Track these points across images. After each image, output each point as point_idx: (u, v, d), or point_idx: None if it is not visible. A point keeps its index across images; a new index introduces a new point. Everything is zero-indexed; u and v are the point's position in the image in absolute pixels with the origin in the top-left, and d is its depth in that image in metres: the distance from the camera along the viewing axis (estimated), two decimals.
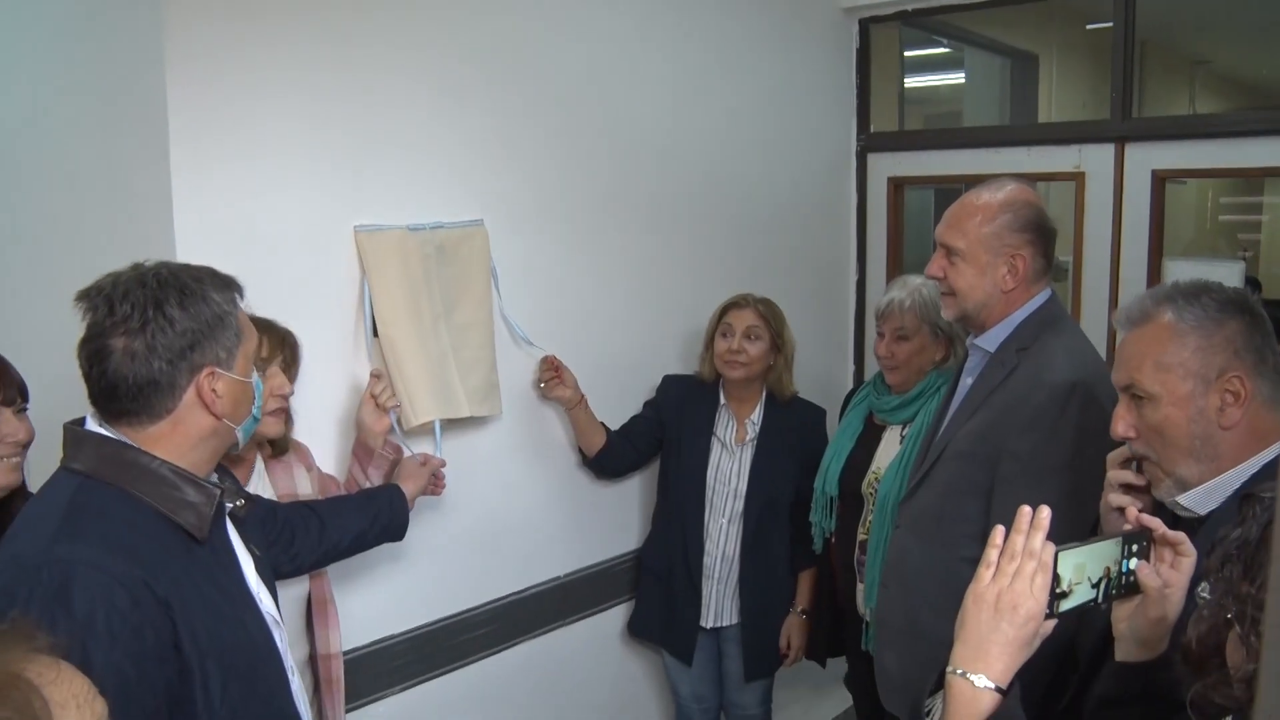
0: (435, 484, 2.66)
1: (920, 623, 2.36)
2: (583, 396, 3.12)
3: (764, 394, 3.31)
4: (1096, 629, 1.74)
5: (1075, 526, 2.02)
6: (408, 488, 2.52)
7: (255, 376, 1.73)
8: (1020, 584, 1.39)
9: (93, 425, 1.61)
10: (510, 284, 2.95)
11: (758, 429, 3.28)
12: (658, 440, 3.35)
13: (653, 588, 3.38)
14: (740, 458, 3.27)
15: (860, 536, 3.04)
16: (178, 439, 1.61)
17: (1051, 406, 2.15)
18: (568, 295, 3.15)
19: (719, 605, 3.29)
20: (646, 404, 3.40)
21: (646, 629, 3.44)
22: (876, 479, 3.00)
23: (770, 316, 3.24)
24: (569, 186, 3.12)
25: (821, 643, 3.35)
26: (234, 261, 2.30)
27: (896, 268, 4.23)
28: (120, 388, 1.56)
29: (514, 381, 3.02)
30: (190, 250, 2.25)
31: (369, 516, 2.39)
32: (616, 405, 3.31)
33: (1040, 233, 2.29)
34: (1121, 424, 1.76)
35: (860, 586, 3.04)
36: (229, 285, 1.69)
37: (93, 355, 1.57)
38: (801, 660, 3.37)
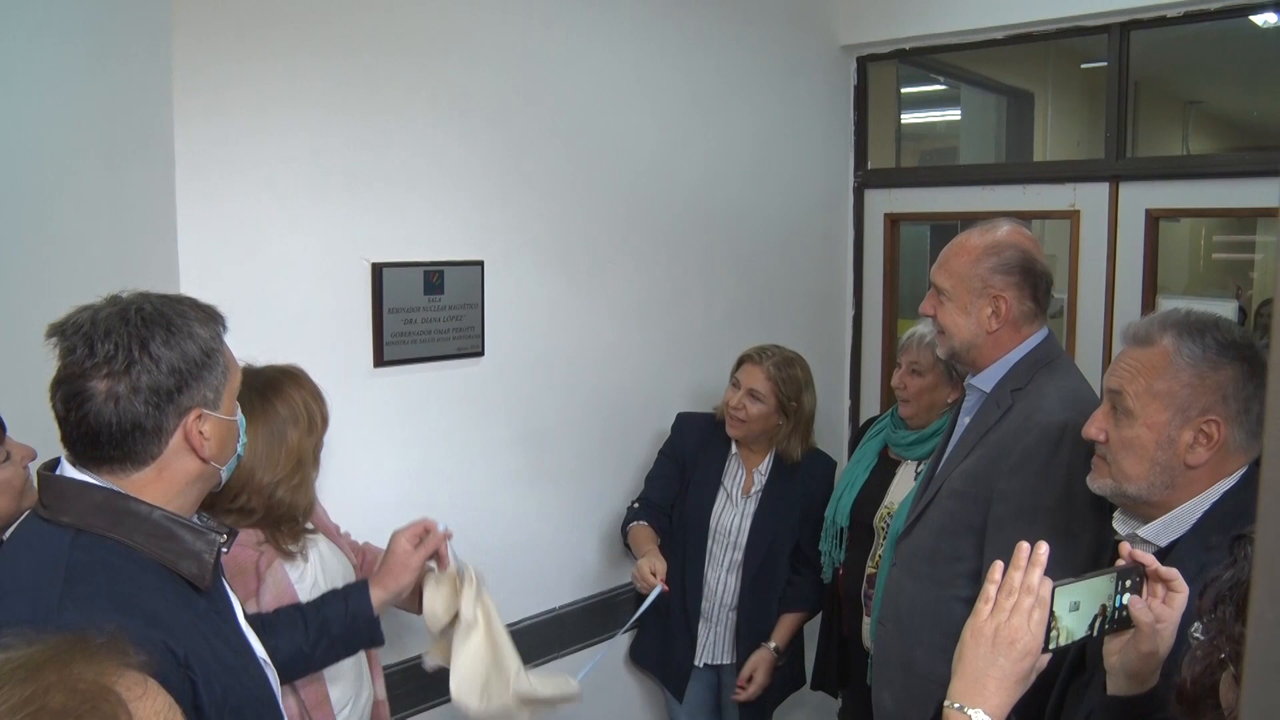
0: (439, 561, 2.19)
1: (915, 661, 2.36)
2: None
3: (773, 449, 3.28)
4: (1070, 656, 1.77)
5: (1066, 565, 2.05)
6: (383, 586, 2.07)
7: (239, 413, 1.63)
8: (1018, 619, 1.41)
9: (71, 471, 1.49)
10: (510, 319, 2.98)
11: (764, 480, 3.26)
12: (680, 491, 3.32)
13: (653, 620, 3.37)
14: (744, 510, 3.25)
15: (869, 570, 3.04)
16: (164, 484, 1.51)
17: (1042, 447, 2.15)
18: (568, 330, 3.17)
19: (715, 646, 3.29)
20: (662, 452, 3.38)
21: (645, 659, 3.44)
22: (889, 514, 3.00)
23: (782, 380, 3.16)
24: (568, 222, 3.14)
25: (832, 674, 3.32)
26: (237, 290, 2.34)
27: (892, 303, 4.27)
28: (102, 434, 1.45)
29: (512, 408, 3.04)
30: (194, 277, 2.28)
31: (310, 634, 1.98)
32: (619, 438, 3.33)
33: (1027, 276, 2.29)
34: (1094, 426, 1.83)
35: (866, 620, 3.03)
36: (213, 318, 1.57)
37: (70, 398, 1.45)
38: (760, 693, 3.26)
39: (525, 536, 3.13)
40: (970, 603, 2.20)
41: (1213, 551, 1.67)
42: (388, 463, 2.72)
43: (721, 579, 3.25)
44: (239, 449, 1.64)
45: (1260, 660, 0.58)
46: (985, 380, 2.33)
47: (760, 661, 3.22)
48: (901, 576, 2.44)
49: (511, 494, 3.07)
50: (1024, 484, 2.16)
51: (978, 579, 2.21)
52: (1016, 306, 2.28)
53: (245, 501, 2.00)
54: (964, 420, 2.41)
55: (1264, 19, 3.81)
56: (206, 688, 1.41)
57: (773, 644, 3.24)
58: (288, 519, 2.11)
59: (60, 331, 1.47)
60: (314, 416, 2.12)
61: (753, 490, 3.25)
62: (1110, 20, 3.58)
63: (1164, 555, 1.73)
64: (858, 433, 3.44)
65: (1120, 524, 1.84)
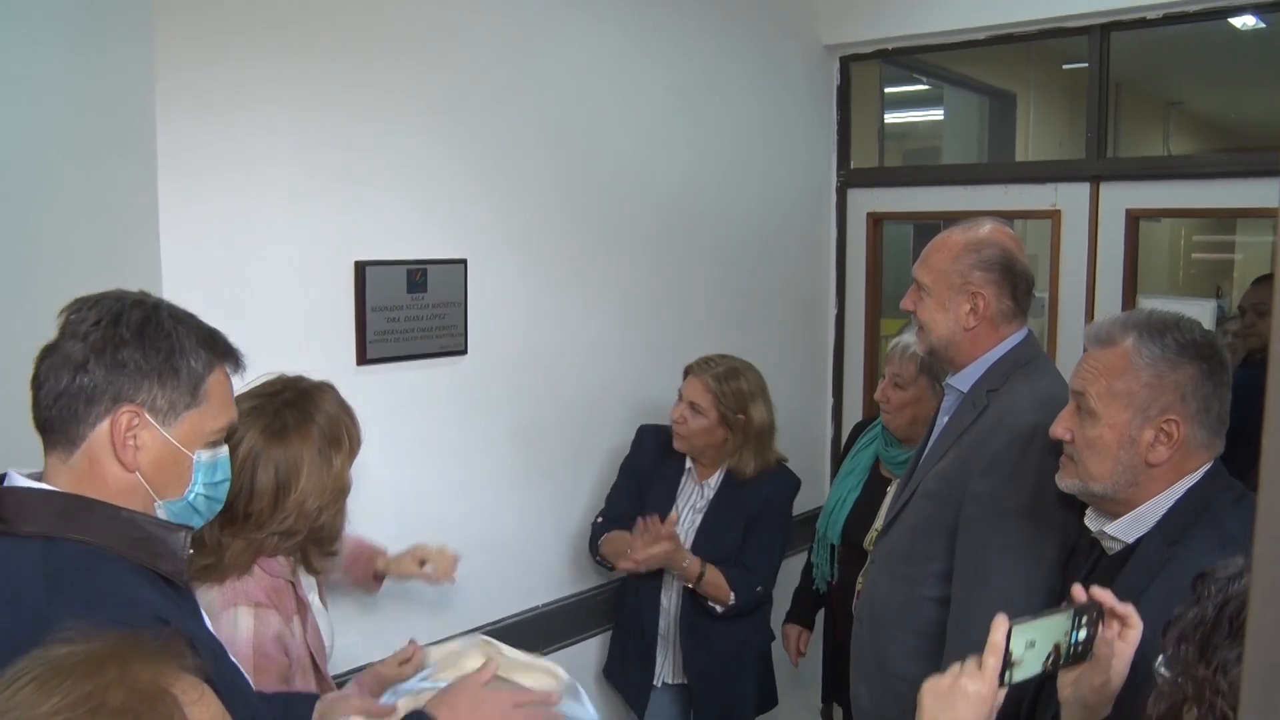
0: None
1: (887, 658, 2.37)
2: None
3: (725, 464, 3.16)
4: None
5: (1034, 568, 2.09)
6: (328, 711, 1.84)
7: (201, 455, 1.51)
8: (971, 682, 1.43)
9: (23, 480, 1.43)
10: (493, 317, 2.97)
11: (712, 494, 3.15)
12: (639, 507, 3.17)
13: (618, 637, 3.32)
14: (688, 526, 3.14)
15: (859, 586, 2.98)
16: (97, 487, 1.43)
17: (1012, 450, 2.15)
18: (551, 328, 3.17)
19: (676, 665, 3.19)
20: (622, 466, 3.30)
21: (613, 676, 3.36)
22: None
23: (722, 393, 3.02)
24: (551, 221, 3.14)
25: (843, 684, 3.30)
26: (219, 288, 2.33)
27: (875, 302, 4.28)
28: (43, 388, 1.43)
29: (496, 406, 3.03)
30: (176, 276, 2.27)
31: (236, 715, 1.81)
32: (602, 436, 3.33)
33: (1006, 274, 2.28)
34: (1060, 426, 1.86)
35: None
36: (214, 346, 1.51)
37: (43, 354, 1.45)
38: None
39: (509, 534, 3.12)
40: (940, 603, 2.22)
41: (1174, 547, 1.70)
42: (370, 461, 2.69)
43: (673, 599, 3.15)
44: (188, 495, 1.51)
45: (1260, 662, 0.58)
46: (963, 380, 2.33)
47: (673, 550, 2.93)
48: (879, 575, 2.45)
49: (494, 491, 3.07)
50: (994, 486, 2.16)
51: (948, 580, 2.22)
52: (995, 304, 2.28)
53: (292, 524, 1.98)
54: (942, 420, 2.42)
55: (1242, 21, 3.85)
56: (219, 680, 1.35)
57: (698, 566, 2.99)
58: (323, 542, 2.11)
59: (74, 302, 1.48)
60: (353, 439, 2.10)
61: (698, 507, 3.15)
62: (1091, 21, 3.61)
63: (1130, 551, 1.77)
64: (848, 440, 3.42)
65: (1091, 521, 1.86)
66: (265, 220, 2.45)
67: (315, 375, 2.23)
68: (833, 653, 3.28)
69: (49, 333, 1.51)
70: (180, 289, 2.21)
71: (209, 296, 2.27)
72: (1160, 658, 1.25)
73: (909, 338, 2.97)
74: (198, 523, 1.57)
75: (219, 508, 1.60)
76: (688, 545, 3.08)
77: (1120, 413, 1.76)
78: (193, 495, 1.51)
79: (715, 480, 3.17)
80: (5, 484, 1.44)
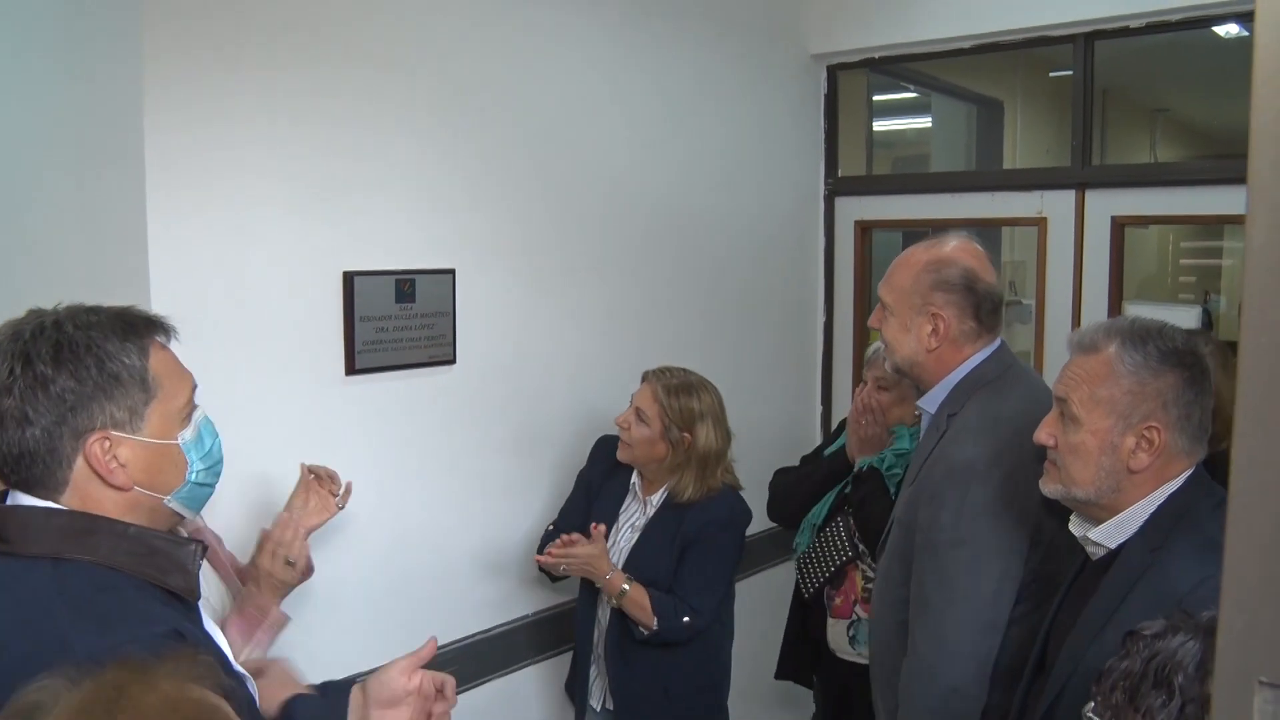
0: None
1: (887, 674, 2.39)
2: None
3: (667, 484, 2.96)
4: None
5: (968, 602, 2.10)
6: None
7: (187, 434, 1.48)
8: None
9: (25, 499, 1.39)
10: (482, 327, 2.98)
11: (651, 514, 2.98)
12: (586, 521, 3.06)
13: (574, 651, 3.20)
14: (623, 545, 2.99)
15: (827, 572, 3.06)
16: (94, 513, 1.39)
17: (947, 483, 2.15)
18: (540, 338, 3.18)
19: (603, 687, 3.05)
20: (578, 477, 3.18)
21: (568, 690, 3.24)
22: None
23: (669, 407, 2.86)
24: (540, 230, 3.15)
25: (805, 666, 3.30)
26: (208, 299, 2.33)
27: (863, 310, 4.29)
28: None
29: (484, 416, 3.04)
30: (165, 287, 2.28)
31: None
32: (587, 447, 3.32)
33: (968, 295, 2.22)
34: (1044, 432, 1.87)
35: (830, 622, 3.07)
36: (137, 330, 1.44)
37: None
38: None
39: (498, 544, 3.13)
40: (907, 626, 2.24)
41: (1157, 552, 1.72)
42: (359, 471, 2.70)
43: (610, 617, 2.97)
44: (192, 475, 1.48)
45: (1230, 668, 0.59)
46: (929, 402, 2.30)
47: (595, 555, 2.80)
48: (875, 597, 2.47)
49: (483, 502, 3.07)
50: (931, 517, 2.16)
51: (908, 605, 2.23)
52: (956, 325, 2.23)
53: None
54: (920, 443, 2.42)
55: (1226, 30, 3.87)
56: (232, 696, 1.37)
57: (622, 584, 2.82)
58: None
59: None
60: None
61: (639, 524, 2.99)
62: (1074, 30, 3.63)
63: (1113, 557, 1.79)
64: (834, 432, 3.43)
65: (1075, 527, 1.88)
66: (253, 231, 2.46)
67: (303, 385, 2.23)
68: (804, 636, 3.24)
69: None
70: (168, 300, 2.21)
71: (197, 308, 2.27)
72: (1090, 704, 1.30)
73: None
74: (209, 494, 1.54)
75: (222, 467, 1.56)
76: (620, 564, 2.92)
77: (1102, 419, 1.78)
78: (194, 474, 1.48)
79: (657, 499, 2.98)
80: (8, 502, 1.41)
